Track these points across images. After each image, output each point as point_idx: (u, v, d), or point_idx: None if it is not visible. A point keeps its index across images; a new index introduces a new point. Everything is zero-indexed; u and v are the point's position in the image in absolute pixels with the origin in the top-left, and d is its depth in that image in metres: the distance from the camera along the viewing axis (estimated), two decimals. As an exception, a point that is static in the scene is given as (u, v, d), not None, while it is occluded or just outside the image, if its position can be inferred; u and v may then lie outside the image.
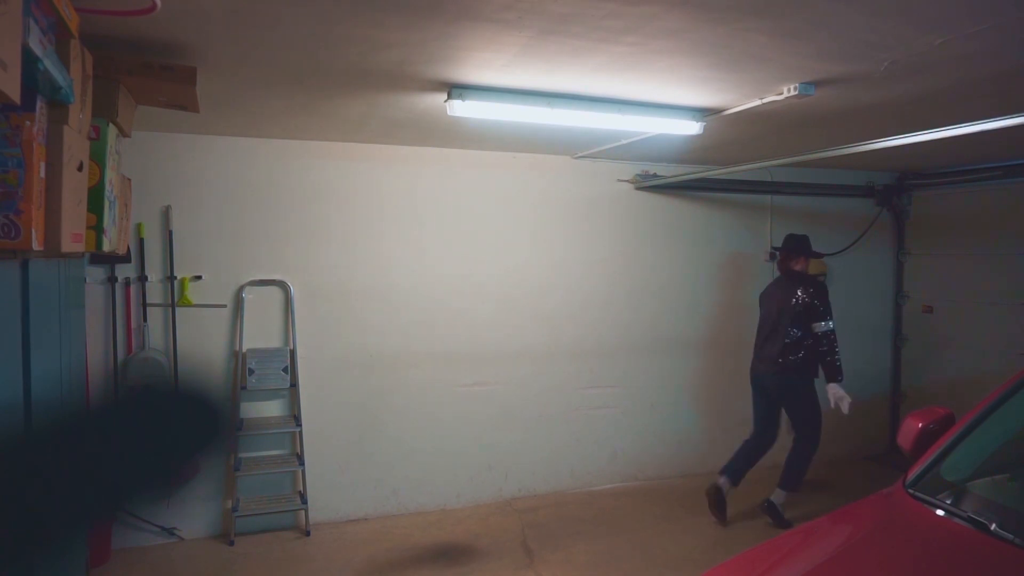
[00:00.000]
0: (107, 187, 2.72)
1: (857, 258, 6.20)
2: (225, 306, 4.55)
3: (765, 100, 3.28)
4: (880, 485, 2.69)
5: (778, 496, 4.72)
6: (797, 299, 4.65)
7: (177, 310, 4.42)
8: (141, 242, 4.35)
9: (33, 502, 0.82)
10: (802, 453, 4.72)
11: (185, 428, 0.96)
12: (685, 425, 5.73)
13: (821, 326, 4.61)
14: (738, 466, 4.77)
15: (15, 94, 1.58)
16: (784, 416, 4.86)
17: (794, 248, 4.82)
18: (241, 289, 4.56)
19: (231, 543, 4.41)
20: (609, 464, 5.51)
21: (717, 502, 4.70)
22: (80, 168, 2.35)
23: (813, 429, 4.71)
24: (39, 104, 1.95)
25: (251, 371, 4.50)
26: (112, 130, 2.74)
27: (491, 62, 2.80)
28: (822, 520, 2.53)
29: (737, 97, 3.34)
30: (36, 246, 1.98)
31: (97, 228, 2.68)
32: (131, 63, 2.63)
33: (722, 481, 4.72)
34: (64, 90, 2.01)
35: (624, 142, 4.40)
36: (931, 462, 2.51)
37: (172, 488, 0.97)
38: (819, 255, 5.02)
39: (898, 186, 6.25)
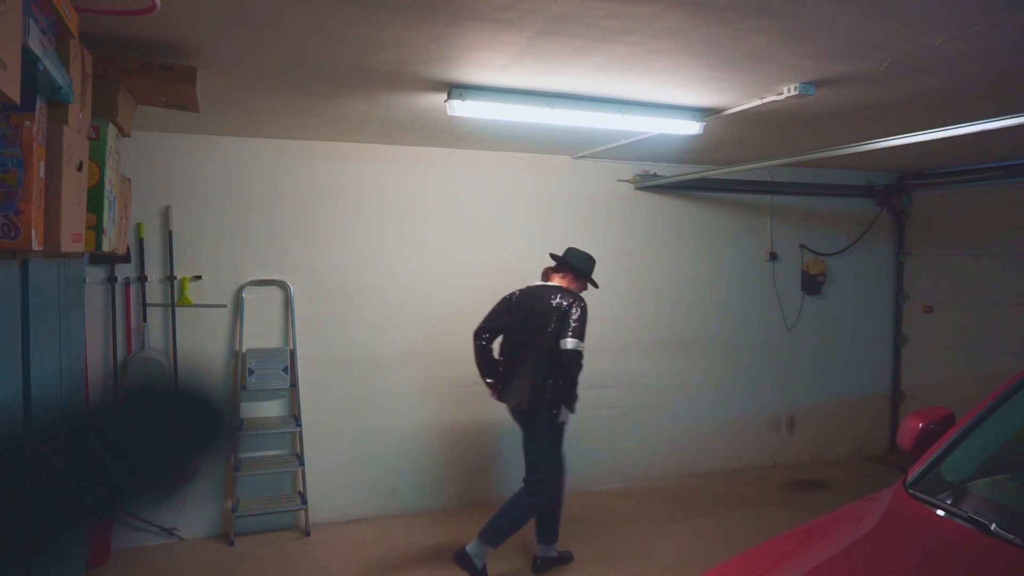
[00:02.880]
0: (107, 187, 2.72)
1: (857, 258, 6.20)
2: (225, 306, 4.55)
3: (765, 100, 3.28)
4: (880, 485, 2.69)
5: (544, 551, 4.03)
6: (572, 310, 3.85)
7: (177, 310, 4.42)
8: (141, 242, 4.35)
9: (33, 502, 0.82)
10: (531, 502, 3.89)
11: (185, 428, 0.96)
12: (685, 425, 5.73)
13: (570, 342, 3.80)
14: (547, 528, 4.04)
15: (15, 94, 1.58)
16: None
17: (581, 269, 4.06)
18: (241, 289, 4.56)
19: (231, 543, 4.41)
20: (609, 464, 5.51)
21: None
22: (80, 168, 2.34)
23: (558, 476, 4.01)
24: (39, 104, 1.95)
25: (251, 371, 4.50)
26: (112, 130, 2.74)
27: (491, 62, 2.80)
28: (822, 520, 2.53)
29: (737, 97, 3.34)
30: (36, 246, 1.98)
31: (97, 228, 2.68)
32: (131, 63, 2.64)
33: (541, 549, 4.03)
34: (64, 90, 2.01)
35: (624, 142, 4.40)
36: (931, 462, 2.51)
37: (172, 488, 0.97)
38: (595, 285, 4.17)
39: (898, 186, 6.25)
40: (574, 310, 3.86)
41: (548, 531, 4.05)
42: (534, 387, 3.86)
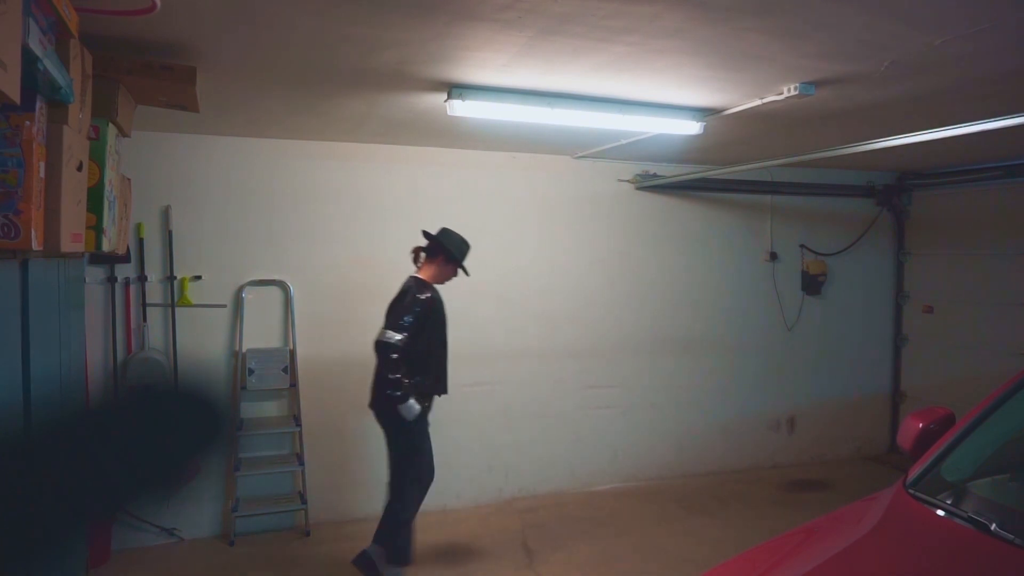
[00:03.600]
0: (107, 187, 2.72)
1: (857, 258, 6.20)
2: (225, 306, 4.54)
3: (765, 100, 3.28)
4: (880, 485, 2.69)
5: (377, 553, 3.70)
6: (401, 298, 3.65)
7: (177, 310, 4.42)
8: (141, 242, 4.34)
9: (33, 502, 0.82)
10: (391, 512, 3.71)
11: (185, 428, 0.96)
12: (685, 425, 5.73)
13: (380, 333, 3.55)
14: (393, 546, 3.75)
15: (15, 94, 1.58)
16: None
17: (451, 250, 3.77)
18: (241, 289, 4.55)
19: (231, 543, 4.41)
20: (609, 464, 5.51)
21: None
22: (80, 168, 2.34)
23: (409, 483, 3.72)
24: (39, 104, 1.95)
25: (251, 371, 4.50)
26: (112, 130, 2.74)
27: (491, 62, 2.80)
28: (822, 520, 2.53)
29: (737, 97, 3.34)
30: (36, 246, 1.98)
31: (97, 228, 2.68)
32: (131, 63, 2.64)
33: (372, 549, 3.74)
34: (64, 90, 2.01)
35: (624, 142, 4.40)
36: (931, 462, 2.51)
37: (172, 488, 0.97)
38: (459, 268, 3.84)
39: (898, 186, 6.25)
40: (404, 298, 3.62)
41: (387, 538, 3.70)
42: (376, 386, 3.70)
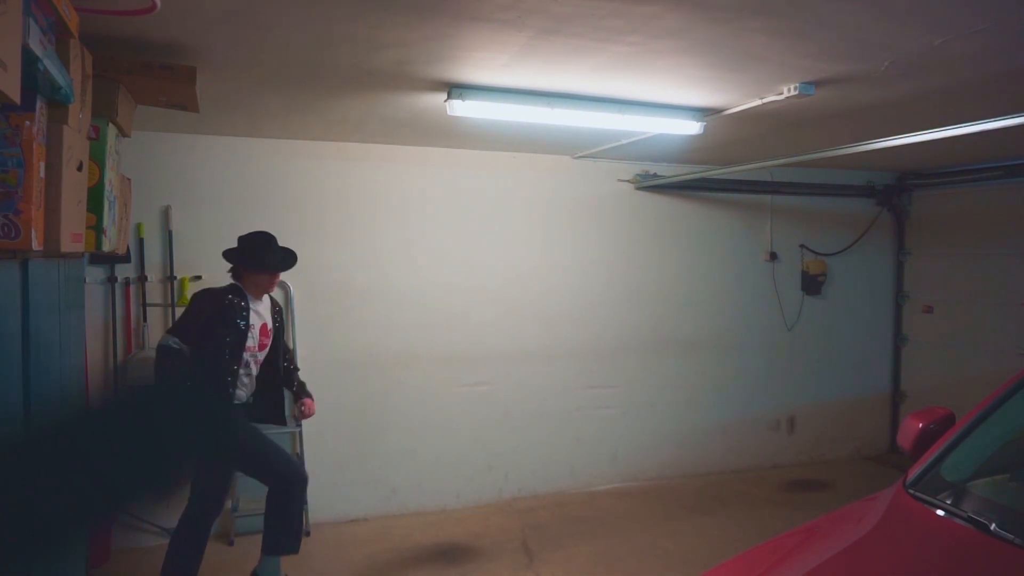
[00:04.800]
0: (107, 187, 2.72)
1: (857, 258, 6.21)
2: (225, 306, 4.54)
3: (765, 100, 3.28)
4: (880, 485, 2.69)
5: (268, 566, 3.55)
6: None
7: (177, 310, 4.41)
8: (141, 242, 4.34)
9: (34, 502, 0.82)
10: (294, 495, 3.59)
11: (185, 428, 0.96)
12: (685, 425, 5.73)
13: (162, 336, 3.37)
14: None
15: (15, 94, 1.58)
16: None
17: (232, 260, 3.56)
18: (241, 289, 4.55)
19: (231, 543, 4.41)
20: (609, 464, 5.51)
21: None
22: (80, 168, 2.35)
23: (279, 465, 3.65)
24: (39, 104, 1.95)
25: (251, 371, 4.48)
26: (112, 130, 2.74)
27: (491, 62, 2.80)
28: (822, 520, 2.53)
29: (737, 97, 3.34)
30: (36, 246, 1.98)
31: (97, 228, 2.69)
32: (131, 63, 2.64)
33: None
34: (64, 90, 2.01)
35: (624, 142, 4.40)
36: (931, 462, 2.51)
37: (172, 488, 0.97)
38: (266, 271, 3.56)
39: (898, 186, 6.25)
40: (192, 301, 3.46)
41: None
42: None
